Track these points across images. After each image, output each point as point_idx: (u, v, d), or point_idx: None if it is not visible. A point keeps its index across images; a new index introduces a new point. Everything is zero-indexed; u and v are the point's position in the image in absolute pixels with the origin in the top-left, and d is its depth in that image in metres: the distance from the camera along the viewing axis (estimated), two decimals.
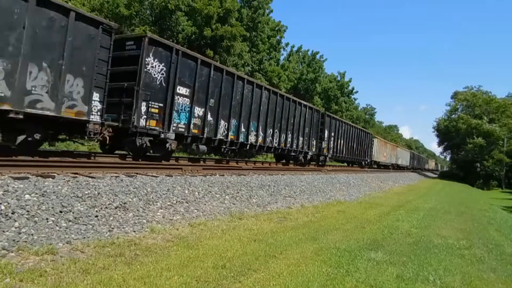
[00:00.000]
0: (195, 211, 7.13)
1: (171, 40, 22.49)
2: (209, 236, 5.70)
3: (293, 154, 17.24)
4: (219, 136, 11.58)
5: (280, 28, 34.64)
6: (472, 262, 6.03)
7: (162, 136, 9.38)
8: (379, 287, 4.24)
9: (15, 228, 4.39)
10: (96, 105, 7.59)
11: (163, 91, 9.32)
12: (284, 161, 18.60)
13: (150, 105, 8.91)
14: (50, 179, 5.65)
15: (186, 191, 7.60)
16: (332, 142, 21.47)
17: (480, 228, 10.23)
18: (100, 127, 7.74)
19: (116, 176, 6.88)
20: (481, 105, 54.87)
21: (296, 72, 39.63)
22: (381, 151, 34.94)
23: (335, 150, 22.02)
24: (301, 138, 17.59)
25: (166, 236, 5.51)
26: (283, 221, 7.68)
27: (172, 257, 4.52)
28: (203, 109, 10.77)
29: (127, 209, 5.96)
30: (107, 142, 8.45)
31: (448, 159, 79.97)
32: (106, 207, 5.68)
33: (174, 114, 9.67)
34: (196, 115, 10.51)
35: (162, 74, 9.20)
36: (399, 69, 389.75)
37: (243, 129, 12.83)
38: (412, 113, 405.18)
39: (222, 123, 11.72)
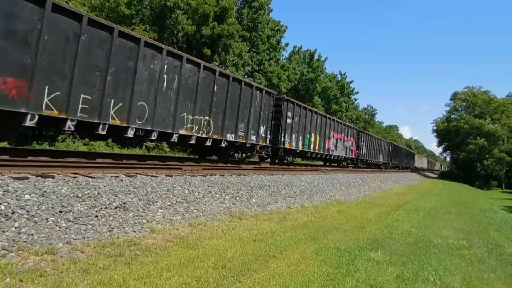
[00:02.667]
0: (195, 211, 7.13)
1: (171, 40, 22.53)
2: (209, 236, 5.70)
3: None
4: None
5: (280, 28, 34.67)
6: (472, 262, 6.03)
7: None
8: (379, 287, 4.24)
9: (15, 228, 4.39)
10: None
11: None
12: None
13: None
14: (50, 179, 5.65)
15: (186, 191, 7.60)
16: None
17: (480, 228, 10.23)
18: None
19: (116, 176, 6.88)
20: (481, 105, 54.91)
21: (296, 73, 39.64)
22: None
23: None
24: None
25: (166, 236, 5.51)
26: (283, 221, 7.68)
27: (172, 257, 4.51)
28: None
29: (127, 209, 5.95)
30: None
31: (448, 159, 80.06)
32: (106, 207, 5.68)
33: None
34: None
35: None
36: (400, 69, 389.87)
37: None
38: (413, 114, 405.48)
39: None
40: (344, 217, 9.02)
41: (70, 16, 6.79)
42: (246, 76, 29.09)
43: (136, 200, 6.31)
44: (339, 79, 48.30)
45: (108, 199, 5.86)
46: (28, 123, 6.27)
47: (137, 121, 8.41)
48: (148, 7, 23.25)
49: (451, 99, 61.59)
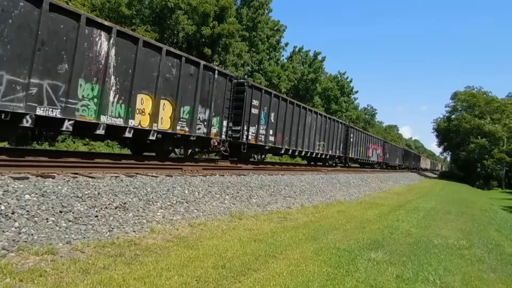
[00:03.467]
0: (195, 211, 7.13)
1: (171, 40, 22.54)
2: (209, 236, 5.70)
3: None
4: None
5: (279, 28, 34.67)
6: (472, 262, 6.02)
7: None
8: (379, 287, 4.24)
9: (15, 228, 4.39)
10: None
11: None
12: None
13: None
14: (50, 179, 5.66)
15: (186, 191, 7.60)
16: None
17: (480, 228, 10.23)
18: None
19: (116, 176, 6.88)
20: (480, 105, 54.92)
21: (297, 73, 39.66)
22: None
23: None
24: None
25: (166, 236, 5.51)
26: (283, 221, 7.68)
27: (172, 257, 4.51)
28: None
29: (127, 209, 5.96)
30: None
31: (448, 159, 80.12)
32: (106, 207, 5.68)
33: None
34: None
35: None
36: (401, 69, 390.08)
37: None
38: (413, 114, 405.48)
39: None
40: (344, 217, 9.02)
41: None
42: (246, 76, 29.02)
43: (136, 200, 6.31)
44: (339, 78, 48.32)
45: (108, 199, 5.86)
46: None
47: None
48: (148, 7, 23.26)
49: (451, 99, 61.62)
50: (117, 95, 8.00)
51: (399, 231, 7.86)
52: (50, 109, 6.68)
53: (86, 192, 5.67)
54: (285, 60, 38.87)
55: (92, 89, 7.45)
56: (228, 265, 4.40)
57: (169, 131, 9.53)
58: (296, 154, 17.61)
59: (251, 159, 14.49)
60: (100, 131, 7.67)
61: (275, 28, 34.27)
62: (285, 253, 5.20)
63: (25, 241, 4.28)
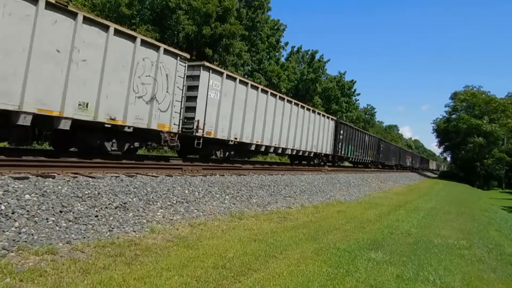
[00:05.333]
0: (195, 211, 7.13)
1: (171, 40, 22.53)
2: (209, 236, 5.70)
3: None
4: None
5: (279, 27, 34.63)
6: (472, 262, 6.03)
7: None
8: (379, 287, 4.24)
9: (15, 228, 4.40)
10: None
11: None
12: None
13: None
14: (50, 179, 5.66)
15: (186, 191, 7.60)
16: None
17: (480, 228, 10.23)
18: None
19: (116, 176, 6.88)
20: (480, 105, 54.93)
21: (297, 73, 39.64)
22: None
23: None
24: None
25: (166, 236, 5.51)
26: (283, 221, 7.68)
27: (172, 257, 4.52)
28: None
29: (127, 209, 5.96)
30: None
31: (448, 159, 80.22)
32: (106, 207, 5.68)
33: None
34: None
35: None
36: (401, 69, 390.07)
37: None
38: (414, 113, 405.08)
39: None
40: (344, 217, 9.02)
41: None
42: (245, 76, 29.02)
43: (136, 200, 6.31)
44: (340, 79, 48.27)
45: (108, 199, 5.86)
46: None
47: None
48: (148, 7, 23.26)
49: (451, 99, 61.64)
50: None
51: (399, 231, 7.86)
52: None
53: (86, 192, 5.68)
54: (284, 61, 38.84)
55: None
56: (228, 265, 4.40)
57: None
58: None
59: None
60: None
61: (275, 28, 34.24)
62: (285, 253, 5.21)
63: (25, 241, 4.28)
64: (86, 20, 7.39)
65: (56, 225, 4.79)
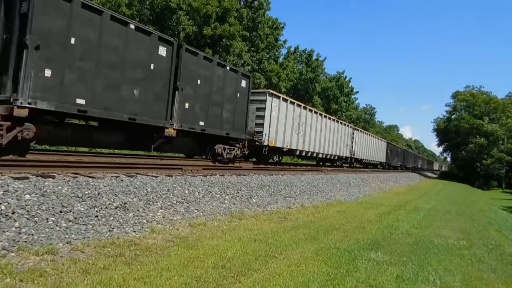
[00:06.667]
0: (195, 211, 7.13)
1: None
2: (209, 236, 5.70)
3: None
4: None
5: (277, 26, 34.59)
6: (472, 262, 6.03)
7: None
8: (379, 287, 4.24)
9: (15, 228, 4.40)
10: None
11: None
12: None
13: None
14: (50, 179, 5.66)
15: (186, 191, 7.60)
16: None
17: (480, 228, 10.23)
18: None
19: (116, 176, 6.88)
20: (480, 104, 54.93)
21: (295, 72, 39.63)
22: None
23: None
24: None
25: (166, 236, 5.51)
26: (283, 221, 7.68)
27: (172, 257, 4.52)
28: None
29: (127, 209, 5.96)
30: None
31: (448, 159, 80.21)
32: (106, 207, 5.68)
33: None
34: None
35: None
36: (402, 69, 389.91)
37: None
38: (415, 113, 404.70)
39: None
40: (344, 217, 9.02)
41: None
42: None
43: (136, 200, 6.31)
44: (338, 78, 48.24)
45: (108, 199, 5.86)
46: None
47: None
48: (148, 7, 23.26)
49: (451, 98, 61.64)
50: None
51: (399, 231, 7.86)
52: None
53: (86, 192, 5.68)
54: (283, 59, 38.77)
55: None
56: (228, 265, 4.41)
57: None
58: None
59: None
60: None
61: (274, 26, 34.19)
62: (285, 253, 5.21)
63: (25, 241, 4.28)
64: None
65: (56, 225, 4.79)
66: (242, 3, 28.90)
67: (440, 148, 68.68)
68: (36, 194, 5.06)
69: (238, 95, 12.28)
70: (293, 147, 16.47)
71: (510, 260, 6.59)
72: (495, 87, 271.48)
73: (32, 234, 4.43)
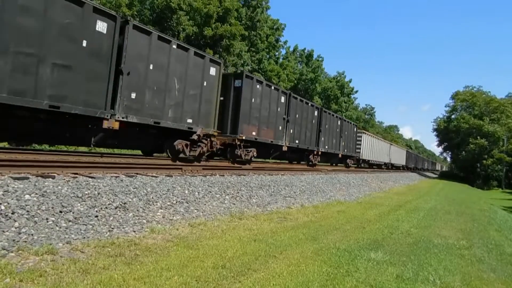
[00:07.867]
0: (195, 211, 7.13)
1: None
2: (209, 236, 5.70)
3: None
4: None
5: (278, 27, 34.62)
6: (472, 262, 6.03)
7: None
8: (379, 287, 4.24)
9: (15, 228, 4.39)
10: None
11: None
12: None
13: None
14: (50, 179, 5.66)
15: (186, 191, 7.60)
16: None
17: (480, 228, 10.23)
18: None
19: (116, 176, 6.88)
20: (480, 104, 54.92)
21: (296, 72, 39.65)
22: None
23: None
24: None
25: (166, 236, 5.51)
26: (283, 221, 7.68)
27: (172, 257, 4.52)
28: None
29: (127, 209, 5.96)
30: None
31: (448, 159, 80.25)
32: (106, 207, 5.68)
33: None
34: None
35: None
36: (402, 68, 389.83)
37: None
38: (415, 113, 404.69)
39: None
40: (344, 217, 9.02)
41: None
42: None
43: (136, 200, 6.31)
44: (338, 79, 48.26)
45: (108, 199, 5.86)
46: None
47: None
48: (149, 8, 23.26)
49: (451, 99, 61.64)
50: None
51: (399, 231, 7.86)
52: None
53: (86, 192, 5.67)
54: (282, 59, 38.79)
55: None
56: (228, 265, 4.40)
57: None
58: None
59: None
60: None
61: (274, 27, 34.22)
62: (285, 253, 5.21)
63: (25, 241, 4.28)
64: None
65: (56, 225, 4.79)
66: (241, 2, 28.91)
67: (440, 148, 68.73)
68: (36, 194, 5.06)
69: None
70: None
71: (510, 260, 6.59)
72: (495, 87, 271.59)
73: (32, 234, 4.43)
